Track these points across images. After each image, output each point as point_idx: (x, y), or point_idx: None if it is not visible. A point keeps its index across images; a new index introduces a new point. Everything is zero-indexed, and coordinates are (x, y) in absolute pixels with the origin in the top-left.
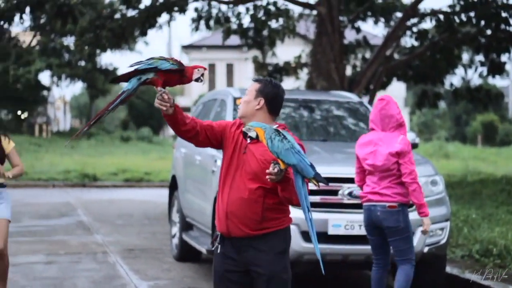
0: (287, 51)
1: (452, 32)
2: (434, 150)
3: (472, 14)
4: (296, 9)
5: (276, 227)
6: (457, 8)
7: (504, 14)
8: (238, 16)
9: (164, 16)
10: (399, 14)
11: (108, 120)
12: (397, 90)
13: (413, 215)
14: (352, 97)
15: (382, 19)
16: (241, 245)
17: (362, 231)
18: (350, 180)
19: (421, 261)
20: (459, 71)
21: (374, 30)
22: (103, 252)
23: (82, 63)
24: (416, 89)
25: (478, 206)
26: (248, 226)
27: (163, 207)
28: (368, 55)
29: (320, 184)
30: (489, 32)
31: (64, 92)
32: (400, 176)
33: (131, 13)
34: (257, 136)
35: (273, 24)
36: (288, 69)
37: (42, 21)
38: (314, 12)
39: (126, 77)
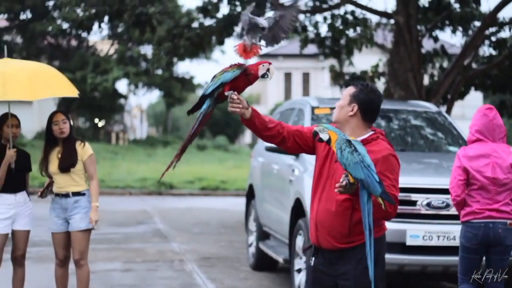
0: (364, 60)
1: None
2: None
3: None
4: (373, 18)
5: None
6: None
7: None
8: (315, 25)
9: None
10: (477, 23)
11: (184, 129)
12: (474, 100)
13: None
14: (430, 106)
15: (460, 28)
16: (331, 257)
17: (440, 242)
18: (428, 191)
19: None
20: None
21: (452, 39)
22: (180, 260)
23: (159, 71)
24: (494, 99)
25: None
26: (336, 238)
27: (239, 215)
28: (445, 64)
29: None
30: None
31: (141, 100)
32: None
33: (208, 22)
34: (328, 140)
35: (351, 33)
36: (365, 78)
37: (119, 30)
38: (392, 21)
39: (200, 104)
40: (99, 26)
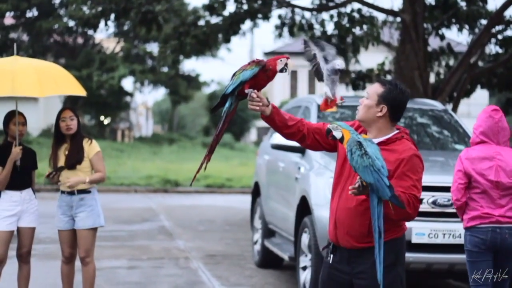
0: (370, 58)
1: None
2: None
3: None
4: (380, 16)
5: (384, 238)
6: None
7: None
8: (321, 23)
9: (248, 23)
10: (484, 21)
11: (189, 126)
12: (480, 98)
13: None
14: (436, 104)
15: (467, 26)
16: (349, 256)
17: (446, 240)
18: (434, 189)
19: None
20: None
21: (458, 37)
22: (185, 257)
23: (165, 69)
24: (499, 97)
25: None
26: (355, 237)
27: (245, 213)
28: (452, 62)
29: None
30: None
31: (147, 98)
32: None
33: (215, 20)
34: (342, 138)
35: (357, 31)
36: (371, 76)
37: (125, 27)
38: (398, 19)
39: (222, 103)
40: (105, 24)
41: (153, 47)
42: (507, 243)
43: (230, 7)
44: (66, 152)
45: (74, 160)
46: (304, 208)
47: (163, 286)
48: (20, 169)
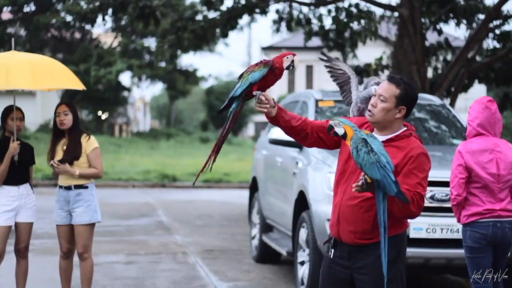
0: (368, 53)
1: None
2: None
3: None
4: (378, 11)
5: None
6: None
7: None
8: (319, 17)
9: (246, 18)
10: (481, 16)
11: (187, 121)
12: (477, 93)
13: None
14: (434, 99)
15: (464, 21)
16: (350, 251)
17: (444, 235)
18: (431, 183)
19: None
20: None
21: (456, 32)
22: (183, 252)
23: (163, 64)
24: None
25: None
26: (358, 234)
27: (242, 208)
28: (449, 57)
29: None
30: None
31: (144, 93)
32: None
33: (212, 14)
34: (344, 134)
35: (355, 26)
36: (369, 71)
37: (123, 22)
38: (396, 14)
39: (230, 104)
40: (103, 19)
41: (151, 42)
42: (507, 237)
43: (228, 2)
44: (64, 147)
45: (72, 155)
46: (302, 203)
47: (160, 281)
48: (17, 164)
